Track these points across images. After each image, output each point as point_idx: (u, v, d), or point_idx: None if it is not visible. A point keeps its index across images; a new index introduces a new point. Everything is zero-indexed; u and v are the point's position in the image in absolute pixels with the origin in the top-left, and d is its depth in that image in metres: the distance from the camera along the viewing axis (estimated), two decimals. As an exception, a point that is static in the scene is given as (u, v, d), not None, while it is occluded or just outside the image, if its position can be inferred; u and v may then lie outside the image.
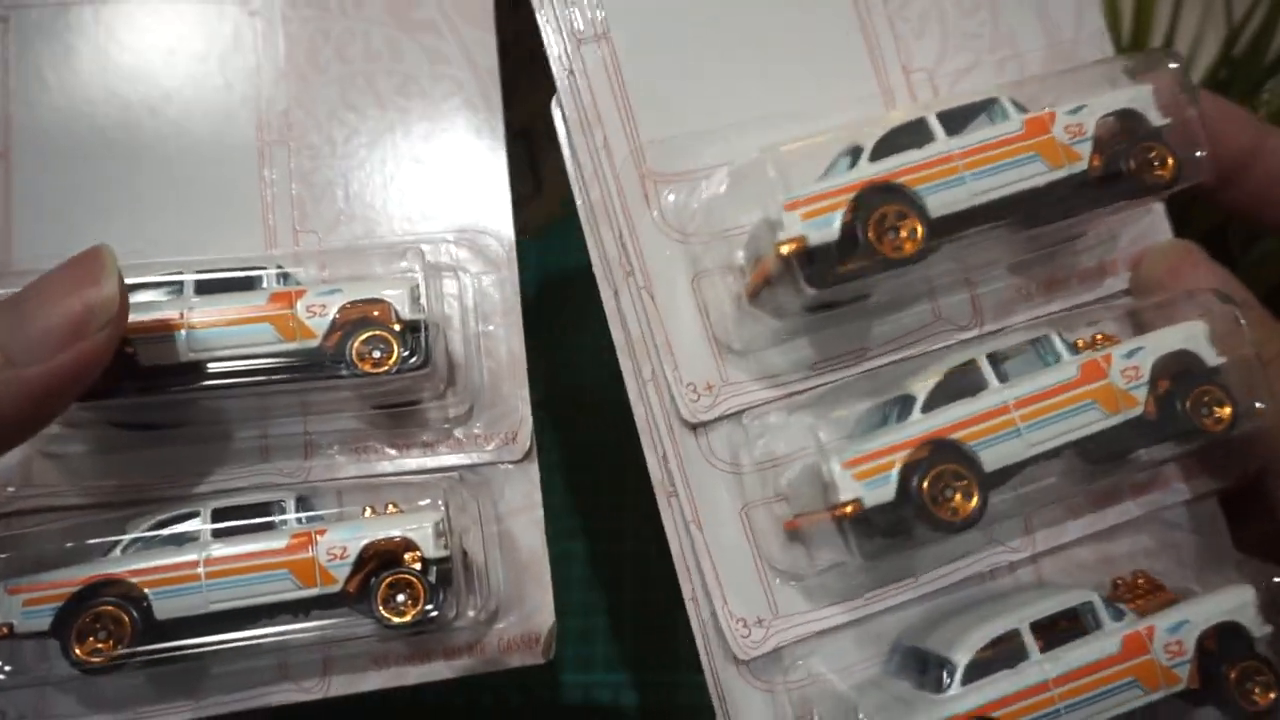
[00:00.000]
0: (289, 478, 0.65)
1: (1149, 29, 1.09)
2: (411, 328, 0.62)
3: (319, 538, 0.60)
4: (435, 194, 0.69)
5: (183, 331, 0.61)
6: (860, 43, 0.68)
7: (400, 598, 0.61)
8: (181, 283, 0.63)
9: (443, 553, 0.61)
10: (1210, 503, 0.67)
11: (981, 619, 0.59)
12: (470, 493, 0.65)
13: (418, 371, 0.62)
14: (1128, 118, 0.63)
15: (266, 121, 0.69)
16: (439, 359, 0.64)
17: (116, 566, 0.59)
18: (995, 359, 0.61)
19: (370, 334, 0.62)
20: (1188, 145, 0.62)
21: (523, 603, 0.65)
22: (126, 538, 0.61)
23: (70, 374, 0.54)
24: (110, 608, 0.59)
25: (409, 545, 0.61)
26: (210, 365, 0.61)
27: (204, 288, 0.63)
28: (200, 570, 0.59)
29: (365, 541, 0.61)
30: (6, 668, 0.60)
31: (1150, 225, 0.68)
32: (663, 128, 0.65)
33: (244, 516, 0.62)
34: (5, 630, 0.59)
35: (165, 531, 0.61)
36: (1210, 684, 0.59)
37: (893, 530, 0.58)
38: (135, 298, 0.60)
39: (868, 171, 0.59)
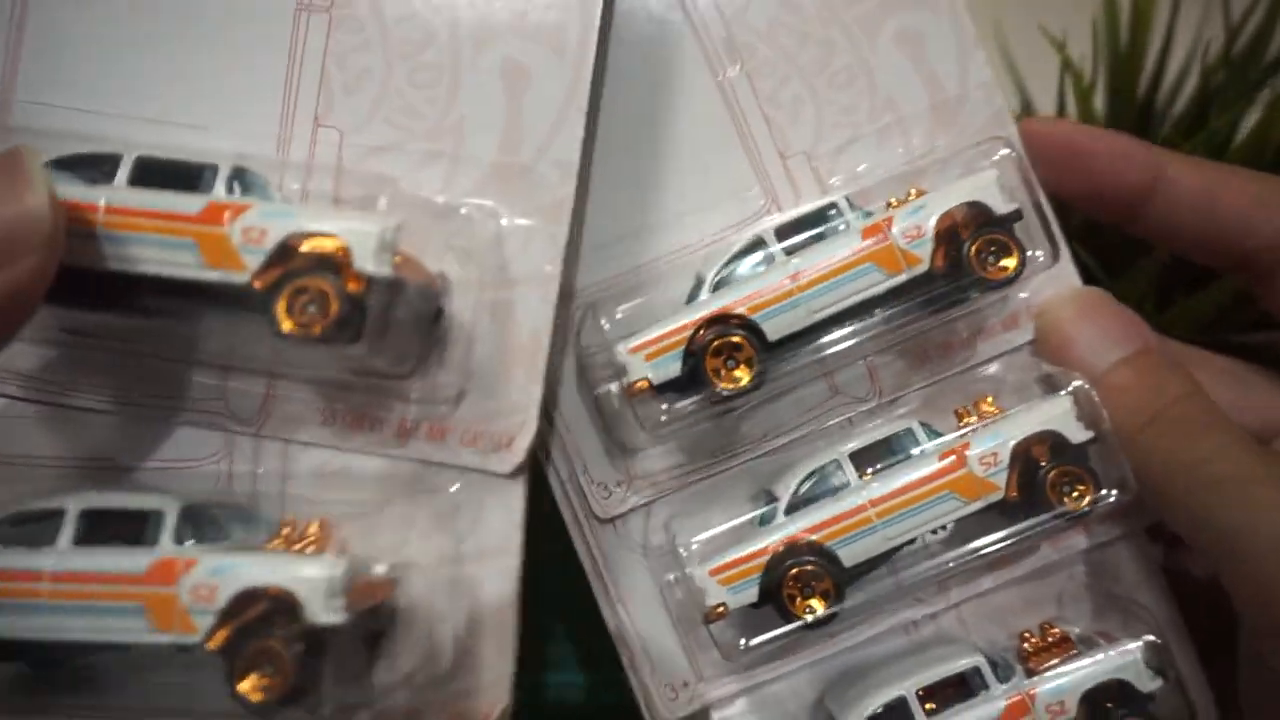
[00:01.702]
0: (237, 424, 0.58)
1: (1148, 29, 1.08)
2: (374, 286, 0.51)
3: (187, 572, 0.50)
4: (488, 109, 0.61)
5: (98, 228, 0.51)
6: (734, 135, 0.67)
7: (261, 667, 0.50)
8: (116, 162, 0.53)
9: (333, 618, 0.49)
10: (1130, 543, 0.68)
11: (878, 684, 0.63)
12: (428, 519, 0.57)
13: (350, 346, 0.52)
14: (972, 209, 0.63)
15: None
16: (401, 335, 0.55)
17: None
18: (856, 457, 0.63)
19: (304, 283, 0.51)
20: (1037, 229, 0.64)
21: (477, 671, 0.58)
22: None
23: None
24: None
25: (293, 600, 0.49)
26: (124, 281, 0.52)
27: (140, 178, 0.53)
28: (44, 586, 0.51)
29: (241, 586, 0.50)
30: None
31: (1058, 273, 0.67)
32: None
33: (115, 524, 0.53)
34: (723, 610, 0.60)
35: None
36: None
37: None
38: (64, 178, 0.52)
39: (705, 305, 0.62)
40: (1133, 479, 0.61)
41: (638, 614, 0.66)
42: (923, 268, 0.62)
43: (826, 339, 0.63)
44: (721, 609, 0.61)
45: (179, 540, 0.52)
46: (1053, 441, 0.62)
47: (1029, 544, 0.65)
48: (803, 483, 0.64)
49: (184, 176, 0.54)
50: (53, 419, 0.60)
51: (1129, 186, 0.68)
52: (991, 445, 0.62)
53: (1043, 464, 0.62)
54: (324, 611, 0.49)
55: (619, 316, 0.65)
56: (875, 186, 0.65)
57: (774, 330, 0.62)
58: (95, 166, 0.54)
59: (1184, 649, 0.65)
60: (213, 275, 0.51)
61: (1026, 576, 0.67)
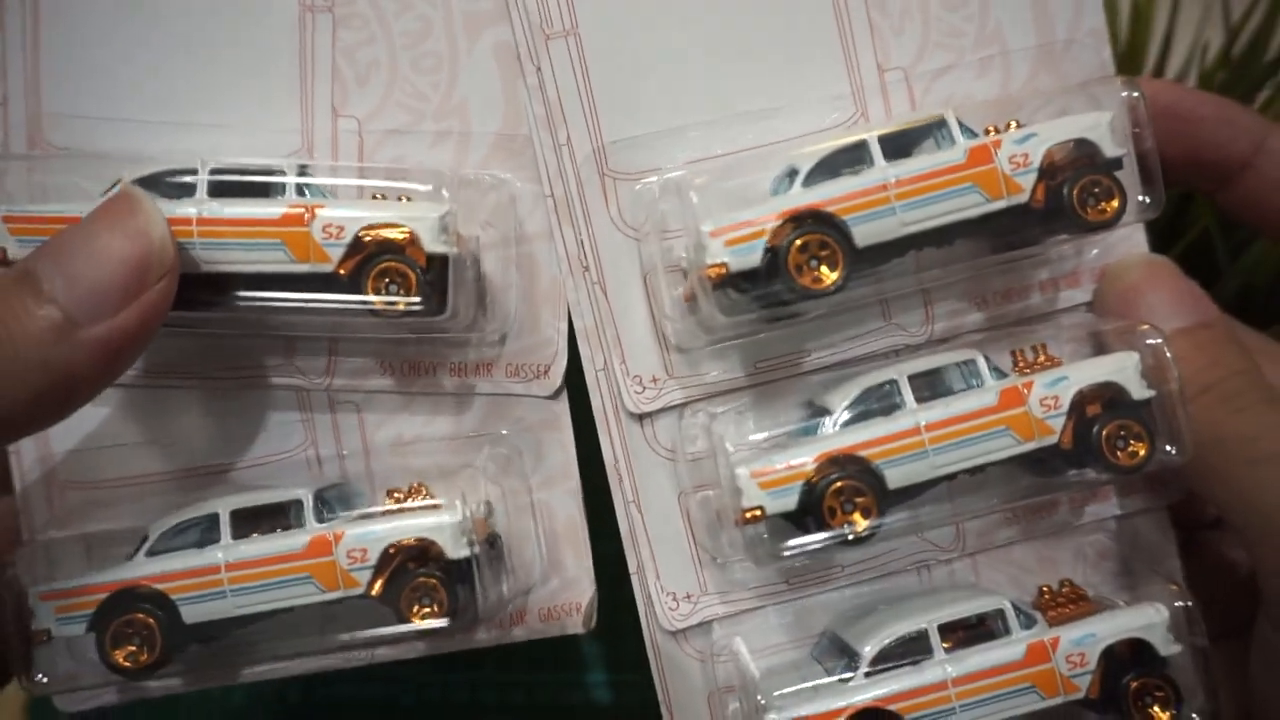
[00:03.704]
0: (308, 379, 0.64)
1: (1148, 29, 1.08)
2: (436, 262, 0.59)
3: (339, 540, 0.60)
4: (489, 87, 0.65)
5: (194, 239, 0.57)
6: (835, 39, 0.65)
7: (424, 601, 0.60)
8: (194, 182, 0.60)
9: (465, 552, 0.60)
10: (1153, 517, 0.68)
11: (896, 616, 0.62)
12: (499, 466, 0.64)
13: (434, 317, 0.59)
14: (1081, 147, 0.61)
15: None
16: (464, 297, 0.61)
17: (141, 571, 0.60)
18: (915, 379, 0.61)
19: (387, 265, 0.59)
20: (1144, 178, 0.62)
21: (562, 573, 0.65)
22: (150, 541, 0.61)
23: (136, 330, 0.52)
24: (140, 615, 0.59)
25: (432, 546, 0.60)
26: (219, 280, 0.58)
27: (218, 189, 0.60)
28: (223, 575, 0.59)
29: (386, 544, 0.60)
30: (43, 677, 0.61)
31: (1125, 235, 0.66)
32: (626, 127, 0.64)
33: (262, 517, 0.61)
34: (44, 636, 0.60)
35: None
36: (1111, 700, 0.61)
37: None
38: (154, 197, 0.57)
39: (796, 198, 0.59)
40: (1188, 444, 0.60)
41: (652, 519, 0.65)
42: (1022, 198, 0.60)
43: (910, 255, 0.61)
44: (758, 512, 0.59)
45: (320, 519, 0.61)
46: (1113, 395, 0.61)
47: (1056, 498, 0.65)
48: (858, 399, 0.62)
49: (256, 182, 0.61)
50: (153, 432, 0.65)
51: (1229, 155, 0.66)
52: (1055, 388, 0.60)
53: (1100, 415, 0.61)
54: (457, 548, 0.59)
55: (703, 196, 0.62)
56: (975, 109, 0.63)
57: (863, 236, 0.59)
58: (175, 182, 0.60)
59: (1196, 626, 0.64)
60: (303, 268, 0.58)
61: (1045, 534, 0.67)
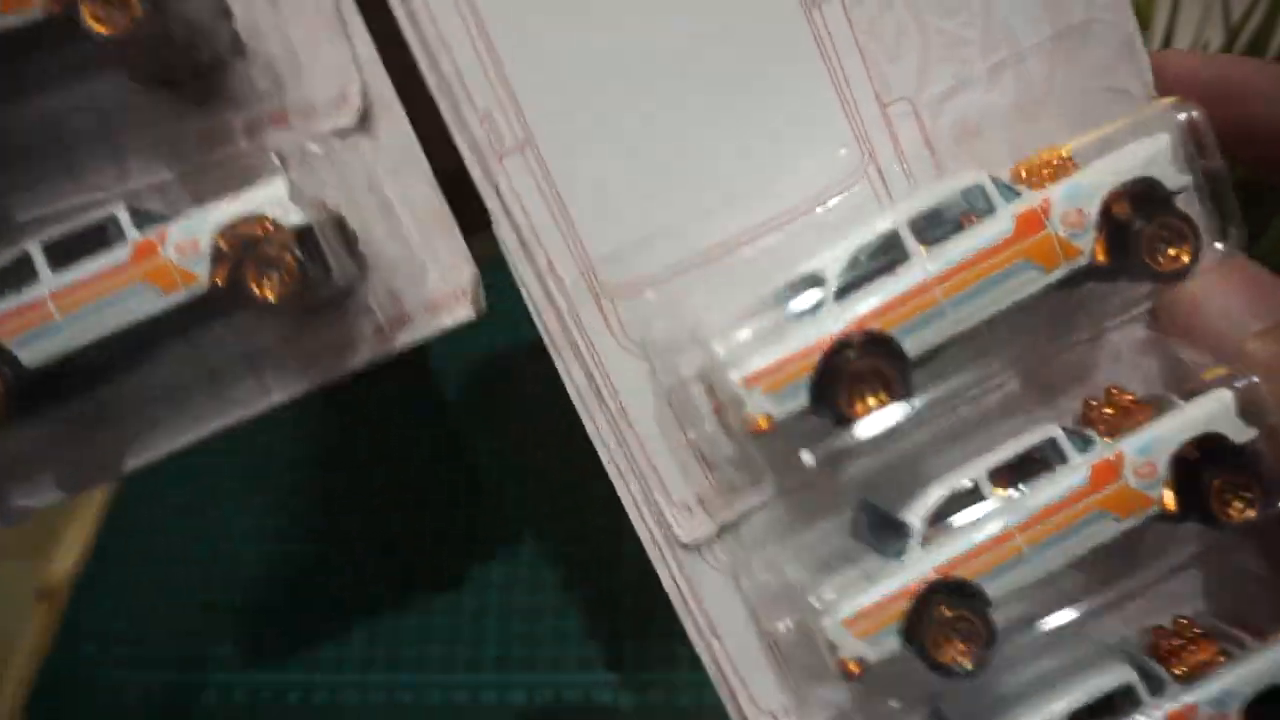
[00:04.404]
0: (101, 189, 0.57)
1: (1148, 29, 1.08)
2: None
3: (164, 239, 0.54)
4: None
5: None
6: (824, 80, 0.57)
7: (274, 277, 0.54)
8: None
9: (299, 216, 0.54)
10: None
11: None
12: (332, 162, 0.57)
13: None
14: (1141, 187, 0.54)
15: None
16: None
17: None
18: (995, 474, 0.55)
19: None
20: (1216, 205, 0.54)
21: (436, 260, 0.59)
22: None
23: None
24: None
25: (262, 219, 0.54)
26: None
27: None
28: (50, 306, 0.54)
29: (214, 229, 0.54)
30: None
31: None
32: (611, 236, 0.57)
33: (79, 245, 0.55)
34: None
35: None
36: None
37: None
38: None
39: (832, 320, 0.52)
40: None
41: (732, 645, 0.59)
42: (1082, 261, 0.53)
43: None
44: (858, 666, 0.53)
45: (141, 228, 0.55)
46: (1214, 444, 0.55)
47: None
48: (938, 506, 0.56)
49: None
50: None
51: None
52: (1147, 455, 0.54)
53: (1203, 470, 0.54)
54: (291, 214, 0.54)
55: (709, 311, 0.56)
56: (993, 146, 0.56)
57: (914, 346, 0.53)
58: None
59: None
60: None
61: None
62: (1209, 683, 0.55)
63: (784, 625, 0.58)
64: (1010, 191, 0.54)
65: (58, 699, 0.91)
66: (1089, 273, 0.54)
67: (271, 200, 0.55)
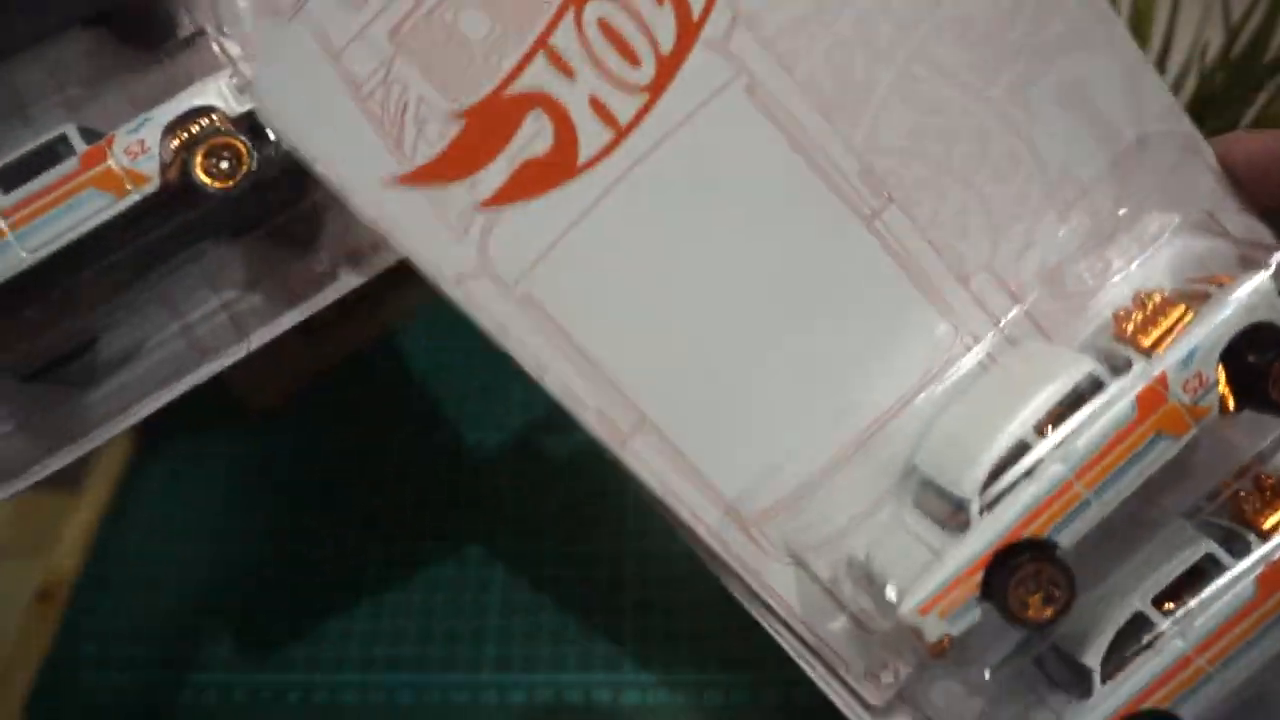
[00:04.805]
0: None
1: (1148, 29, 1.08)
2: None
3: (111, 144, 0.54)
4: None
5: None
6: (903, 278, 0.57)
7: (224, 165, 0.54)
8: None
9: (247, 103, 0.54)
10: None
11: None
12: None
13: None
14: (1256, 334, 0.52)
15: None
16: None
17: None
18: None
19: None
20: None
21: None
22: None
23: None
24: None
25: (209, 111, 0.54)
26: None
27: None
28: (2, 223, 0.54)
29: (160, 126, 0.54)
30: None
31: None
32: (738, 477, 0.58)
33: (30, 166, 0.54)
34: None
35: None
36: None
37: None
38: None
39: (985, 535, 0.52)
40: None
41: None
42: (1211, 418, 0.52)
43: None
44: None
45: (89, 142, 0.55)
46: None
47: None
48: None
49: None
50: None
51: None
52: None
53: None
54: (238, 102, 0.54)
55: (889, 592, 0.54)
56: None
57: (1068, 539, 0.53)
58: None
59: None
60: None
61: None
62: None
63: None
64: (1118, 361, 0.53)
65: (58, 699, 0.91)
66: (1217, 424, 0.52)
67: (216, 92, 0.54)
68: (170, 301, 0.59)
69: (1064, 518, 0.52)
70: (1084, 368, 0.53)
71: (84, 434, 0.59)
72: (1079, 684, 0.55)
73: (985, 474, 0.53)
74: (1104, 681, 0.54)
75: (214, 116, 0.54)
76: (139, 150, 0.54)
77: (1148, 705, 0.53)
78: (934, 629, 0.53)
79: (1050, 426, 0.53)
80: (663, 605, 0.91)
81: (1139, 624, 0.54)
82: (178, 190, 0.54)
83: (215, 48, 0.56)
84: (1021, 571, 0.52)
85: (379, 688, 0.89)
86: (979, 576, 0.53)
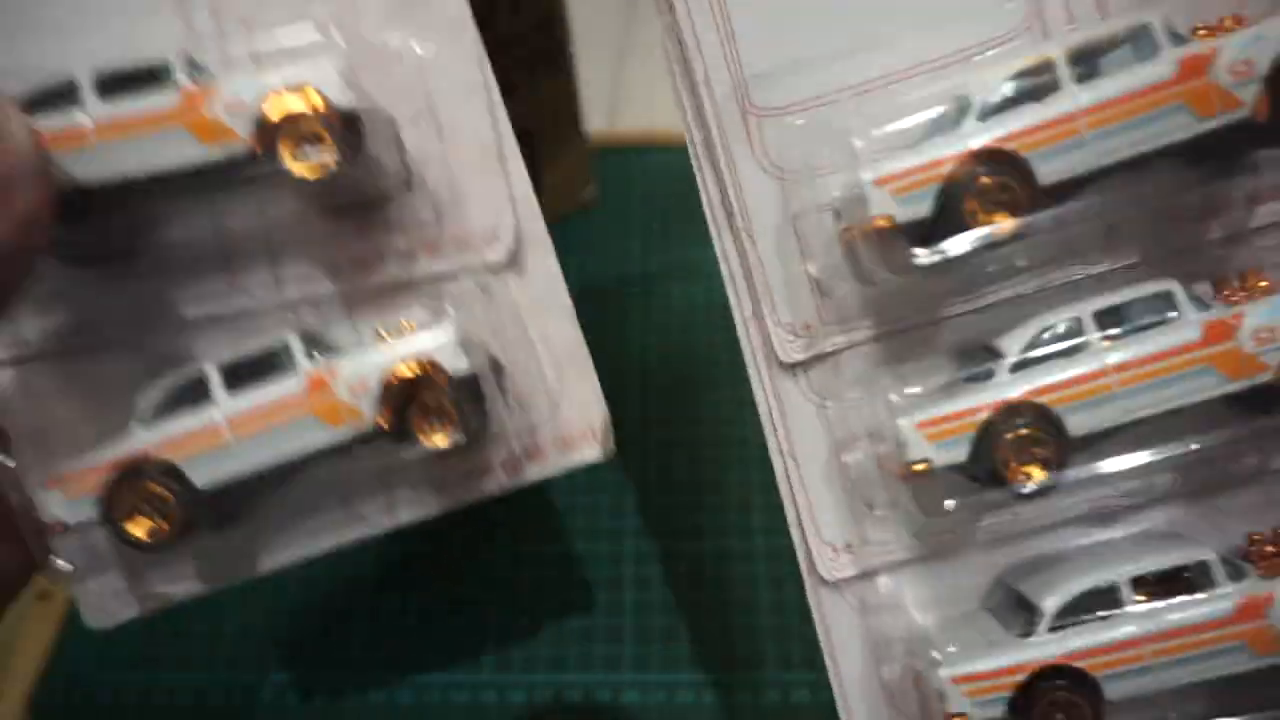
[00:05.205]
0: (258, 300, 0.60)
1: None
2: (346, 117, 0.55)
3: (335, 375, 0.57)
4: None
5: (92, 146, 0.54)
6: None
7: (433, 421, 0.57)
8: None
9: (465, 364, 0.57)
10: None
11: (1082, 567, 0.57)
12: (485, 298, 0.61)
13: (357, 167, 0.56)
14: None
15: None
16: (387, 152, 0.58)
17: (140, 441, 0.57)
18: (1103, 316, 0.56)
19: (300, 128, 0.55)
20: None
21: (570, 398, 0.63)
22: (140, 410, 0.58)
23: (11, 243, 0.48)
24: (151, 484, 0.56)
25: (431, 365, 0.57)
26: (125, 182, 0.54)
27: (105, 87, 0.55)
28: (226, 431, 0.57)
29: (384, 371, 0.57)
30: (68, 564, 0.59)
31: None
32: (768, 57, 0.58)
33: (251, 369, 0.58)
34: (60, 527, 0.57)
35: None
36: None
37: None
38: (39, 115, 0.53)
39: (969, 135, 0.53)
40: None
41: (808, 470, 0.61)
42: (1242, 113, 0.52)
43: (1098, 191, 0.53)
44: (924, 464, 0.55)
45: (312, 358, 0.58)
46: None
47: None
48: (1034, 340, 0.56)
49: (144, 77, 0.56)
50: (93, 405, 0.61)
51: None
52: (1271, 319, 0.53)
53: None
54: (457, 361, 0.57)
55: (859, 136, 0.56)
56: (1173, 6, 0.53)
57: (1048, 174, 0.52)
58: (58, 94, 0.55)
59: None
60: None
61: (1249, 480, 0.60)
62: None
63: (857, 459, 0.60)
64: (1180, 39, 0.53)
65: (58, 699, 0.91)
66: (1246, 133, 0.52)
67: (440, 346, 0.57)
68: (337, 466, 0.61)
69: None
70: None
71: (238, 571, 0.63)
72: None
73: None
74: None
75: (434, 368, 0.57)
76: (361, 389, 0.57)
77: (1043, 400, 0.54)
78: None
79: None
80: (663, 605, 0.91)
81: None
82: (386, 433, 0.57)
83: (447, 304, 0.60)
84: None
85: (379, 687, 0.89)
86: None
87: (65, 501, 0.57)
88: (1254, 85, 0.51)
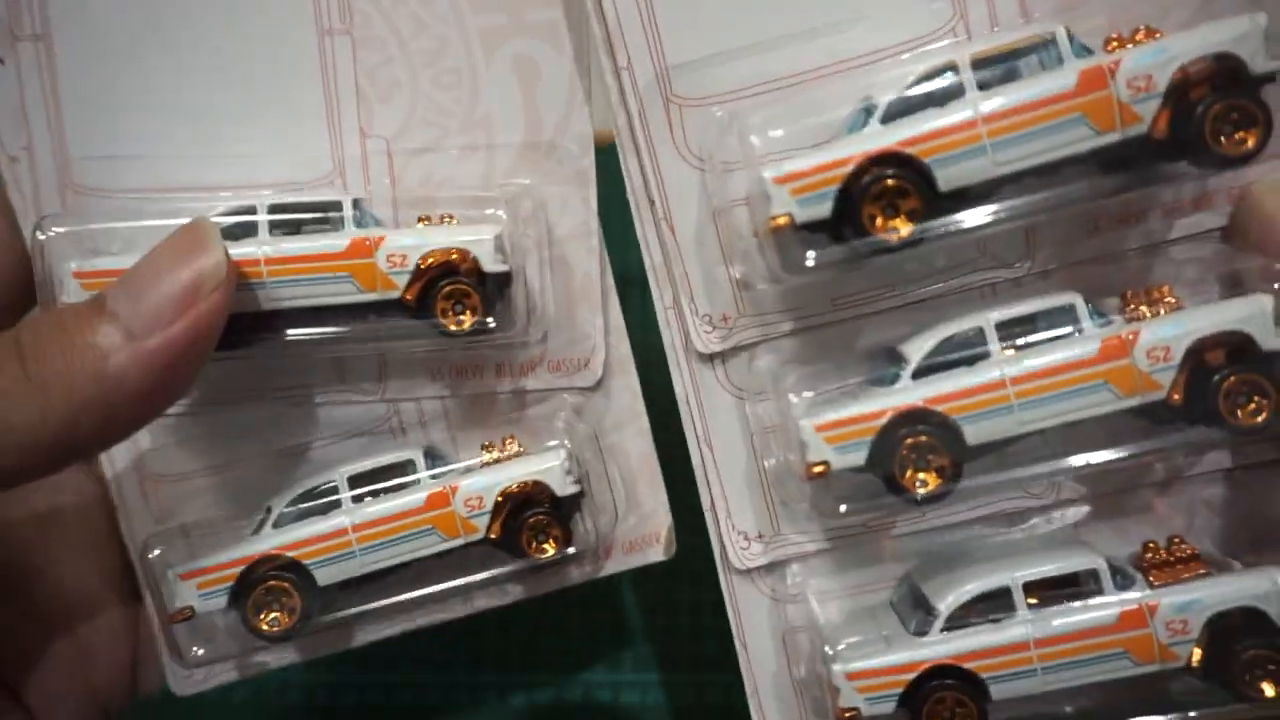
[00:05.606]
0: (365, 395, 0.67)
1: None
2: (496, 280, 0.62)
3: (455, 491, 0.64)
4: (510, 97, 0.64)
5: (264, 279, 0.60)
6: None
7: (540, 536, 0.65)
8: (255, 222, 0.61)
9: (573, 489, 0.64)
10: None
11: (979, 570, 0.59)
12: (574, 417, 0.67)
13: (499, 333, 0.63)
14: (1220, 63, 0.52)
15: (325, 9, 0.64)
16: (517, 309, 0.64)
17: (273, 542, 0.64)
18: (1005, 327, 0.56)
19: (452, 288, 0.62)
20: None
21: (639, 506, 0.69)
22: (275, 514, 0.65)
23: (187, 340, 0.54)
24: (278, 582, 0.63)
25: (538, 484, 0.64)
26: (287, 315, 0.61)
27: (280, 226, 0.62)
28: (351, 536, 0.63)
29: (499, 490, 0.64)
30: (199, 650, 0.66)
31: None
32: (691, 48, 0.59)
33: (377, 479, 0.65)
34: (188, 612, 0.64)
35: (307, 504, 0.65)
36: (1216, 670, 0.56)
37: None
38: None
39: (871, 139, 0.53)
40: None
41: (723, 458, 0.63)
42: (1140, 129, 0.52)
43: (1001, 198, 0.53)
44: (823, 468, 0.56)
45: (436, 475, 0.65)
46: (1236, 344, 0.54)
47: (1166, 454, 0.59)
48: (937, 348, 0.57)
49: (316, 217, 0.63)
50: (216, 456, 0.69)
51: None
52: (1166, 337, 0.54)
53: (1219, 369, 0.54)
54: (565, 486, 0.64)
55: (767, 134, 0.57)
56: (1093, 20, 0.54)
57: (948, 180, 0.53)
58: (234, 222, 0.61)
59: None
60: (372, 297, 0.61)
61: (1153, 484, 0.61)
62: (1176, 588, 0.56)
63: (772, 460, 0.61)
64: (1086, 51, 0.53)
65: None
66: (1145, 148, 0.52)
67: (550, 469, 0.64)
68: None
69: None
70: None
71: (334, 647, 0.70)
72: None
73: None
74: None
75: (542, 487, 0.64)
76: (476, 505, 0.64)
77: (942, 409, 0.55)
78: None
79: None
80: (663, 605, 0.91)
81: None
82: (497, 542, 0.64)
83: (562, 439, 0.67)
84: None
85: (379, 686, 0.89)
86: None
87: (199, 592, 0.63)
88: (1153, 101, 0.52)
